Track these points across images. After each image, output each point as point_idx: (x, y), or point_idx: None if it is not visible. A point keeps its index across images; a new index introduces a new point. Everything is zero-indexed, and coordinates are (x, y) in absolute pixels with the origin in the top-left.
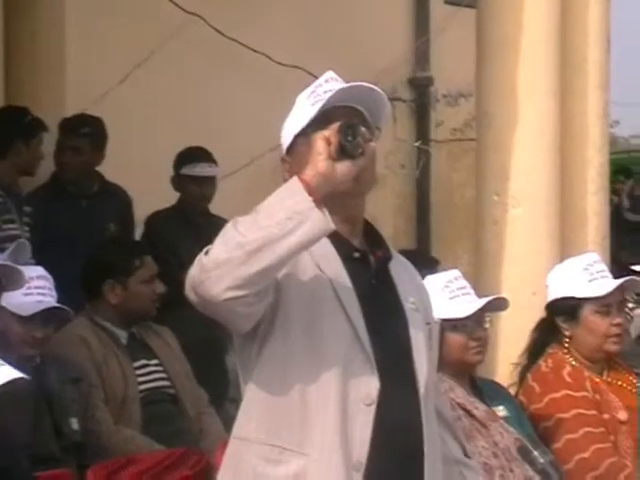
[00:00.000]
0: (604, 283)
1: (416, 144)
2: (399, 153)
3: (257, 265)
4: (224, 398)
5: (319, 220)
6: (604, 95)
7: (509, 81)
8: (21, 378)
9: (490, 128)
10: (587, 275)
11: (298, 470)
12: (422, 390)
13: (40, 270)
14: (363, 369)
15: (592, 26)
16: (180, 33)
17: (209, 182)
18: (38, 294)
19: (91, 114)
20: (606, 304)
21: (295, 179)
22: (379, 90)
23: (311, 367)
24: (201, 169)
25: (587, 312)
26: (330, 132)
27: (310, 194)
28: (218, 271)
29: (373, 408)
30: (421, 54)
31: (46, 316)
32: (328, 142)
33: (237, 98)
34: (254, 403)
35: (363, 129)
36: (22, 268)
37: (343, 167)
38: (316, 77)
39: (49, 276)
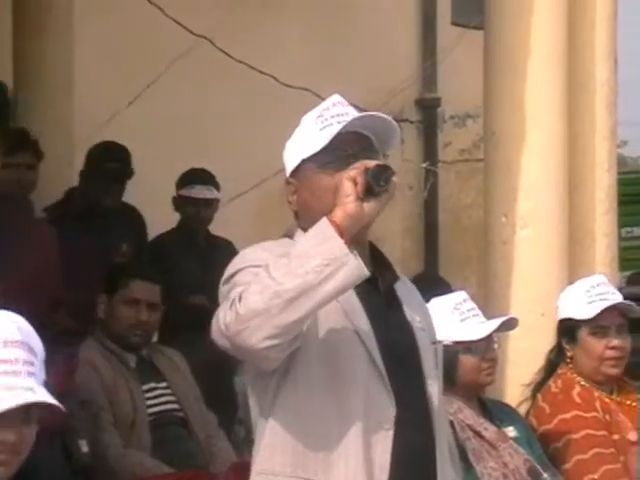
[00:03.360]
0: (600, 305)
1: (424, 165)
2: (407, 174)
3: (295, 313)
4: (232, 420)
5: (355, 265)
6: (612, 115)
7: (516, 101)
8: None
9: (498, 149)
10: (587, 297)
11: None
12: (435, 410)
13: None
14: (380, 393)
15: (599, 45)
16: (188, 55)
17: (207, 205)
18: None
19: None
20: (601, 326)
21: (325, 222)
22: (391, 119)
23: (332, 395)
24: (198, 191)
25: (584, 333)
26: (356, 172)
27: (341, 236)
28: (256, 320)
29: (391, 432)
30: (428, 75)
31: None
32: (355, 183)
33: (245, 120)
34: (277, 437)
35: (393, 172)
36: None
37: (370, 206)
38: (324, 99)
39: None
